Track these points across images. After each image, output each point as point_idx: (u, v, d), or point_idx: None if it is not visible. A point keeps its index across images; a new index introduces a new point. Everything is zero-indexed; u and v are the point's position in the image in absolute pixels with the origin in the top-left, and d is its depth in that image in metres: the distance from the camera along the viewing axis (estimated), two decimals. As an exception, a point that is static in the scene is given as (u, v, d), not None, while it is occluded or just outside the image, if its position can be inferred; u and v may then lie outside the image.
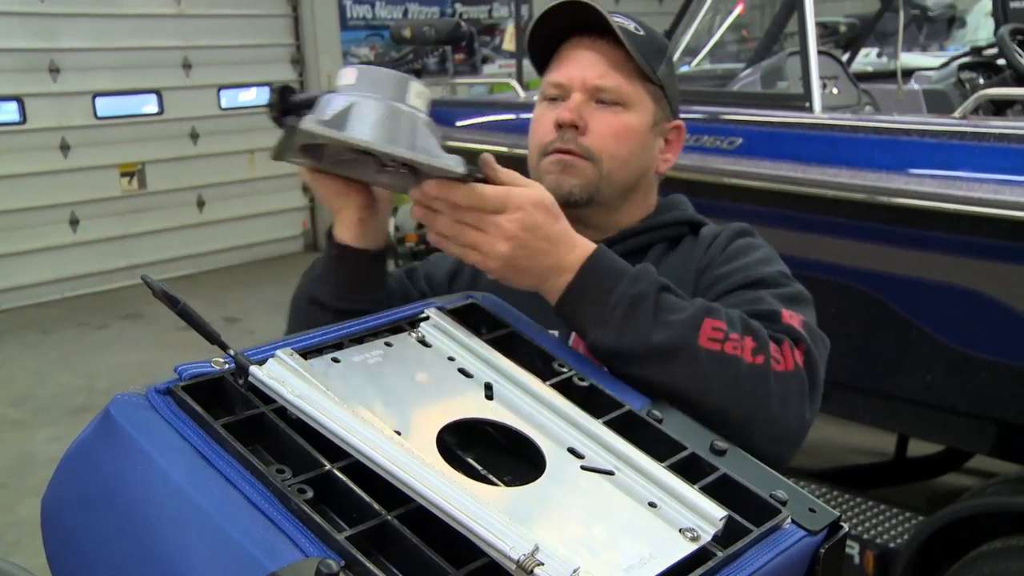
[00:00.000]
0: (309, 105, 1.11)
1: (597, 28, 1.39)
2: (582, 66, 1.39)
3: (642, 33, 1.42)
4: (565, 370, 1.10)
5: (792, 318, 1.19)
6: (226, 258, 8.43)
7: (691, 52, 4.28)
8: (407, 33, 4.33)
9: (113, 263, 7.51)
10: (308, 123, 1.06)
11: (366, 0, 9.88)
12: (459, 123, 4.49)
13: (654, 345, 1.11)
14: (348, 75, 1.10)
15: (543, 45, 1.44)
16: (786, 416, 1.12)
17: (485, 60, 11.18)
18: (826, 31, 4.54)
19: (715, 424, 1.07)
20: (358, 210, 1.28)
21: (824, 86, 3.50)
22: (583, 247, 1.17)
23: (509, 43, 9.36)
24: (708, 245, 1.39)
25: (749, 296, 1.25)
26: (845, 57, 4.22)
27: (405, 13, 10.06)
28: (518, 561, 0.78)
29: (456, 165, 1.08)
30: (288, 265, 8.85)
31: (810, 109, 2.98)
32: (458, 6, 11.01)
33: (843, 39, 4.62)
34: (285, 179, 8.97)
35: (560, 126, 1.37)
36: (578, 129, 1.37)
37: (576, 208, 1.36)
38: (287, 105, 1.16)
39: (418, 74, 6.66)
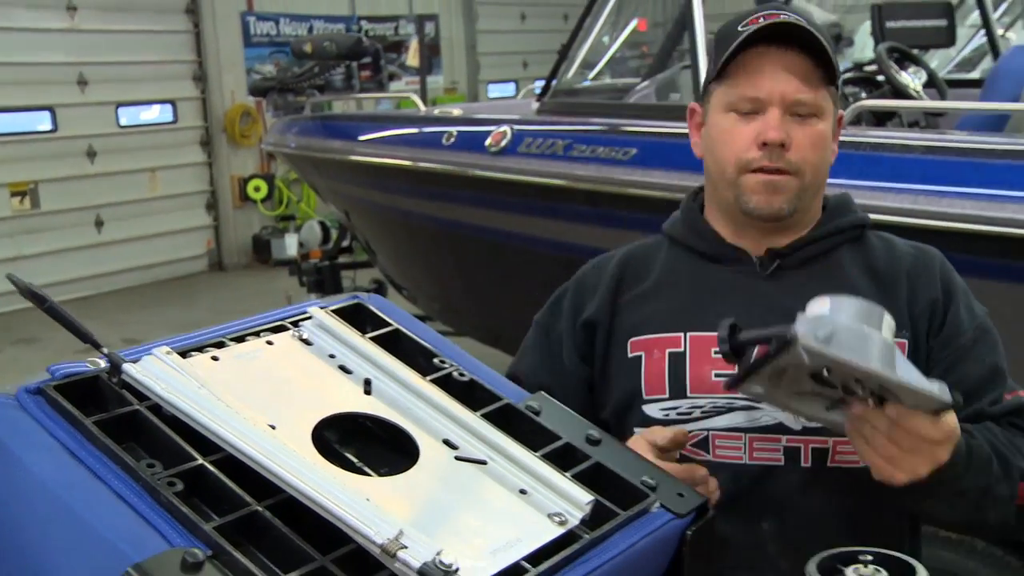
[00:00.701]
0: (759, 342, 1.13)
1: (787, 36, 1.38)
2: (779, 80, 1.38)
3: (823, 36, 1.40)
4: (446, 366, 1.12)
5: None
6: (127, 279, 8.28)
7: (590, 66, 4.36)
8: (308, 48, 4.33)
9: (3, 285, 7.30)
10: (814, 342, 1.04)
11: (270, 17, 9.82)
12: (362, 137, 4.51)
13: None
14: (820, 304, 1.11)
15: (723, 49, 1.42)
16: None
17: (392, 77, 11.19)
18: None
19: None
20: None
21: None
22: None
23: (413, 59, 9.40)
24: (947, 280, 1.45)
25: (1000, 385, 1.40)
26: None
27: (310, 30, 10.02)
28: (382, 545, 0.80)
29: (943, 394, 1.09)
30: (191, 285, 8.72)
31: (700, 121, 3.05)
32: (364, 23, 11.01)
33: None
34: (188, 197, 8.85)
35: (765, 144, 1.38)
36: (783, 146, 1.38)
37: (781, 220, 1.42)
38: (735, 343, 1.17)
39: (321, 90, 6.63)
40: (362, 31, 10.59)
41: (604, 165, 3.17)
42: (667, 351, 1.45)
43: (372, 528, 0.81)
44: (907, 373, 1.07)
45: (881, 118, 3.52)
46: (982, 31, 4.35)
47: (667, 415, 1.43)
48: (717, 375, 1.39)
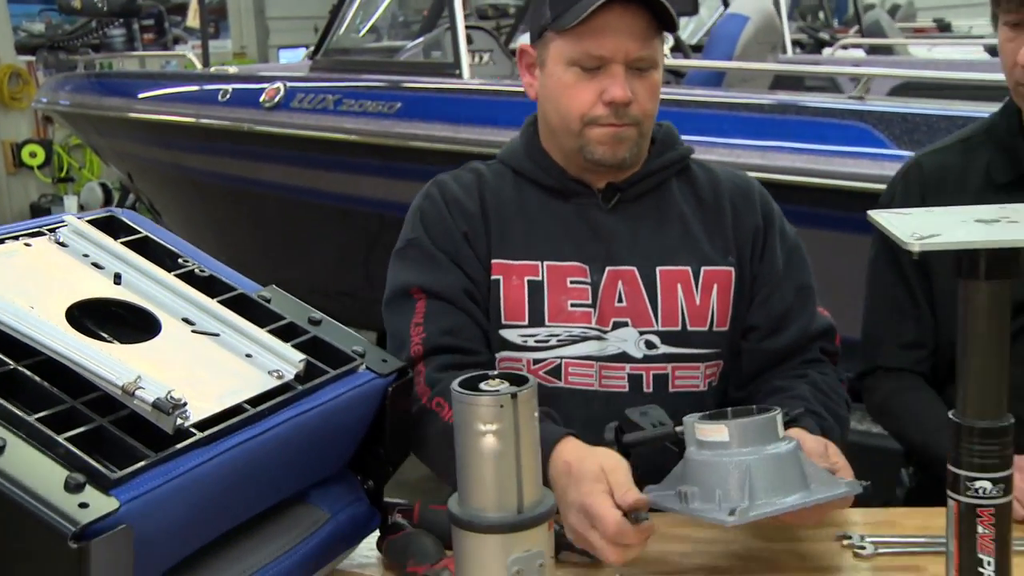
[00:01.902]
0: (645, 444, 1.23)
1: None
2: (623, 38, 1.43)
3: None
4: (189, 264, 1.32)
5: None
6: None
7: (364, 27, 4.55)
8: (76, 3, 4.31)
9: None
10: (735, 518, 1.12)
11: (41, -27, 9.42)
12: (141, 95, 4.53)
13: None
14: (717, 432, 1.17)
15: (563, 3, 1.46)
16: None
17: (177, 40, 10.93)
18: (496, 11, 4.95)
19: None
20: None
21: (481, 58, 3.86)
22: None
23: (193, 20, 9.23)
24: (766, 207, 1.58)
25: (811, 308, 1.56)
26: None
27: (86, -12, 9.68)
28: (122, 386, 1.00)
29: (852, 488, 1.19)
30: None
31: (460, 76, 3.31)
32: (145, -17, 10.69)
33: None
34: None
35: (611, 103, 1.44)
36: (626, 104, 1.45)
37: (623, 166, 1.52)
38: (621, 446, 1.24)
39: (97, 49, 6.51)
40: (143, -9, 10.30)
41: (372, 118, 3.38)
42: (525, 278, 1.52)
43: (114, 374, 1.01)
44: (818, 484, 1.17)
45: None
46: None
47: (525, 341, 1.51)
48: (573, 305, 1.50)
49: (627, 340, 1.50)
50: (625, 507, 1.13)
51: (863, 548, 1.28)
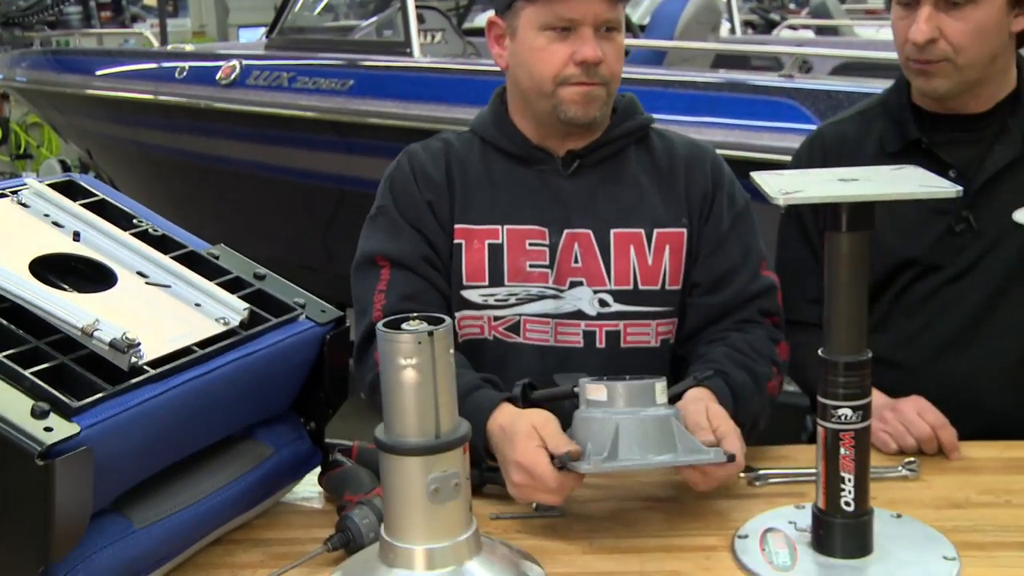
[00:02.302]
0: (550, 400, 1.35)
1: None
2: (592, 2, 1.53)
3: None
4: (143, 224, 1.43)
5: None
6: None
7: (328, 8, 4.65)
8: (31, -20, 4.35)
9: None
10: (593, 466, 1.23)
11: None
12: (99, 72, 4.59)
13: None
14: (597, 390, 1.27)
15: None
16: None
17: (135, 18, 10.91)
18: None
19: None
20: None
21: (433, 37, 3.97)
22: None
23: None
24: (716, 173, 1.66)
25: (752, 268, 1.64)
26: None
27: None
28: (81, 328, 1.11)
29: (717, 456, 1.26)
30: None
31: (410, 55, 3.42)
32: (103, -39, 10.64)
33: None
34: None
35: (582, 62, 1.53)
36: (597, 63, 1.54)
37: (592, 125, 1.61)
38: (528, 402, 1.36)
39: (52, 26, 6.54)
40: (101, -31, 10.27)
41: (325, 95, 3.49)
42: (486, 242, 1.61)
43: (74, 317, 1.12)
44: (684, 447, 1.25)
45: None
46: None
47: (485, 300, 1.60)
48: (532, 265, 1.60)
49: (582, 299, 1.60)
50: (559, 455, 1.25)
51: (758, 479, 1.43)
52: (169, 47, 4.63)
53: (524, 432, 1.31)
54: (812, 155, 1.77)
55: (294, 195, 3.92)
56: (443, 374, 1.12)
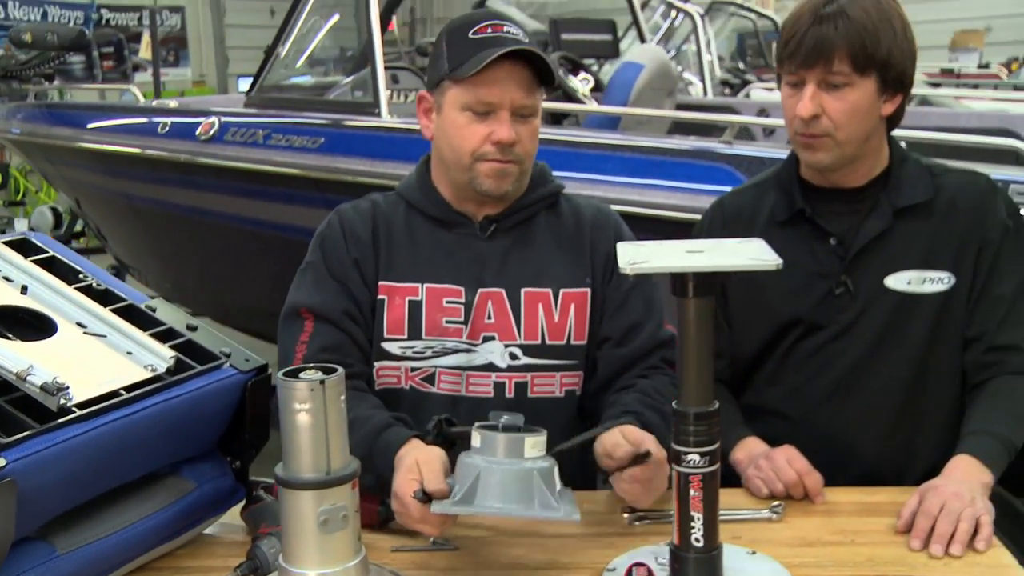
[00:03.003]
0: (458, 438, 1.47)
1: (520, 54, 1.67)
2: (510, 89, 1.67)
3: (543, 54, 1.70)
4: (88, 279, 1.58)
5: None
6: None
7: (295, 64, 4.85)
8: (27, 38, 4.56)
9: None
10: (442, 507, 1.36)
11: (-2, -1, 9.61)
12: (90, 125, 4.78)
13: None
14: (476, 438, 1.39)
15: (457, 53, 1.69)
16: None
17: (136, 68, 11.17)
18: (418, 50, 5.26)
19: None
20: None
21: (406, 97, 4.16)
22: None
23: (146, 51, 9.46)
24: (619, 236, 1.79)
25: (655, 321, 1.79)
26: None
27: (44, 16, 9.87)
28: (16, 373, 1.26)
29: (568, 515, 1.35)
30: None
31: (378, 115, 3.60)
32: (104, 12, 10.92)
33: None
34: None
35: (498, 142, 1.68)
36: (511, 144, 1.70)
37: (505, 198, 1.76)
38: (445, 436, 1.50)
39: (50, 79, 6.75)
40: (101, 20, 10.54)
41: (298, 152, 3.66)
42: (407, 298, 1.75)
43: (10, 363, 1.27)
44: (541, 502, 1.34)
45: (556, 118, 4.11)
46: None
47: (404, 352, 1.75)
48: (448, 321, 1.74)
49: (494, 352, 1.75)
50: (416, 491, 1.38)
51: (639, 519, 1.57)
52: (154, 103, 4.82)
53: (407, 466, 1.44)
54: (713, 223, 1.93)
55: (271, 246, 4.08)
56: (334, 418, 1.26)
